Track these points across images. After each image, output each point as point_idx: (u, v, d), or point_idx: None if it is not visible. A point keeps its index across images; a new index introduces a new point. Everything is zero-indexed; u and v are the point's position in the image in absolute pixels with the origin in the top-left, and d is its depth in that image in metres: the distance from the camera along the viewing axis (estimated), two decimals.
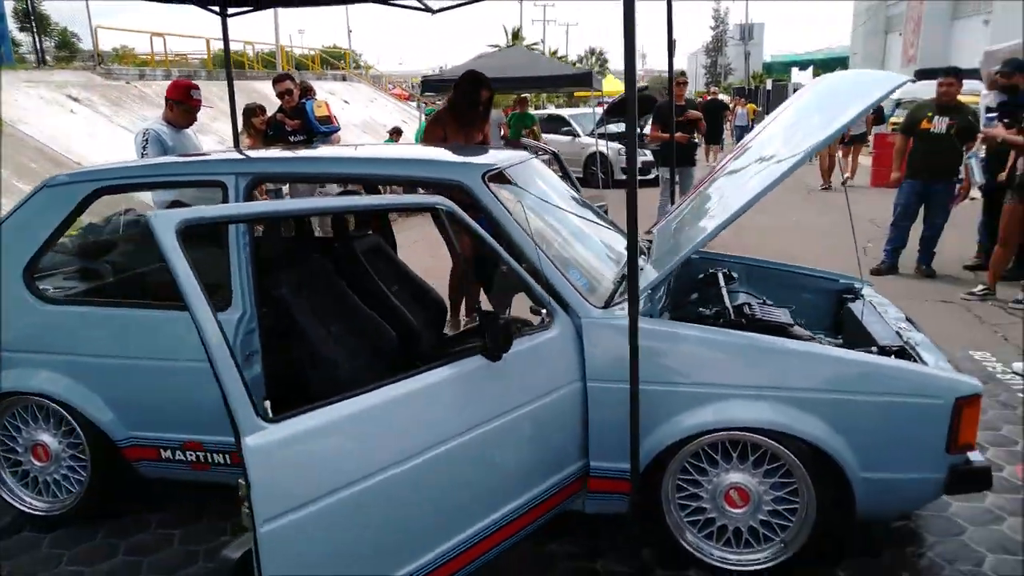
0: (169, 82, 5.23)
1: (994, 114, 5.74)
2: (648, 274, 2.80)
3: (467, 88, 4.79)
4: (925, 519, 2.95)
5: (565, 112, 16.89)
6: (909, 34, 41.16)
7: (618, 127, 13.89)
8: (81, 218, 3.14)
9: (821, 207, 11.06)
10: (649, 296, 2.78)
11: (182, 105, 4.90)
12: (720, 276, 3.48)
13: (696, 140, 8.98)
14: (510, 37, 40.15)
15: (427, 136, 4.85)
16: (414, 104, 35.06)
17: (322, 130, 6.90)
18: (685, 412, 2.57)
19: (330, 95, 17.95)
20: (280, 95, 6.80)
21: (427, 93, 13.58)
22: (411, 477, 2.08)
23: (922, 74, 36.85)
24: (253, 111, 6.96)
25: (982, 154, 5.36)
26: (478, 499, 2.34)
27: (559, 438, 2.59)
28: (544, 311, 2.59)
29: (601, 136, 13.34)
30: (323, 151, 3.32)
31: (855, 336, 3.18)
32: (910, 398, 2.50)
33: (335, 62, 29.57)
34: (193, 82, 5.16)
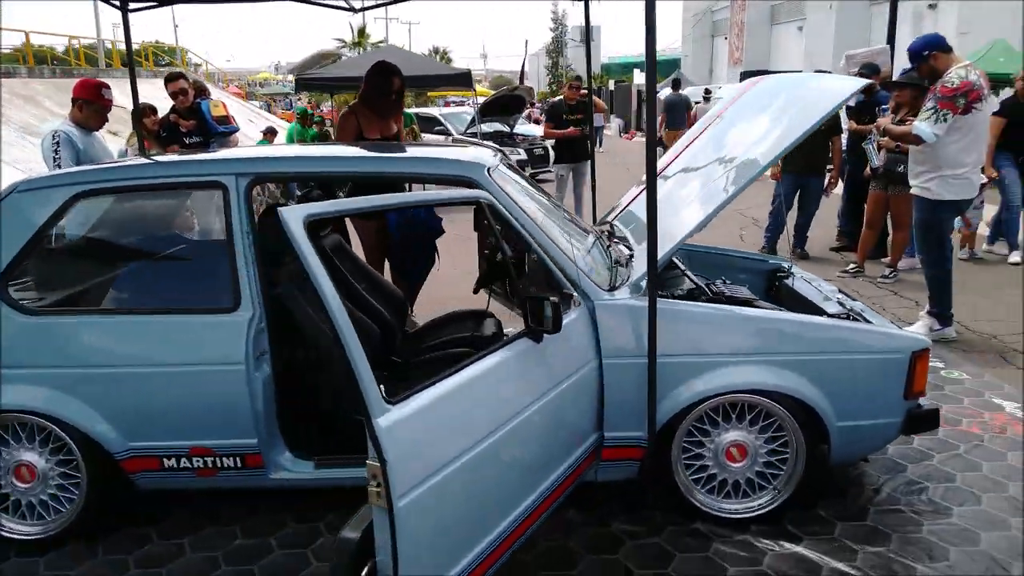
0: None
1: (886, 107, 6.46)
2: (641, 260, 3.06)
3: (378, 79, 4.76)
4: (874, 461, 3.39)
5: (436, 111, 16.99)
6: (734, 38, 44.24)
7: (491, 127, 14.17)
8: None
9: None
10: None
11: (93, 105, 4.67)
12: (676, 260, 3.80)
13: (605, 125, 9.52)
14: (356, 34, 39.57)
15: (341, 131, 4.72)
16: (257, 104, 33.89)
17: (220, 130, 6.69)
18: (691, 380, 2.86)
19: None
20: (173, 95, 6.52)
21: (301, 92, 13.28)
22: (498, 446, 2.23)
23: (747, 75, 39.67)
24: (143, 112, 6.63)
25: (876, 141, 6.05)
26: (540, 465, 2.53)
27: (584, 411, 2.80)
28: (572, 296, 2.79)
29: (473, 135, 13.57)
30: (328, 150, 3.32)
31: (797, 307, 3.59)
32: (876, 355, 2.92)
33: (172, 59, 28.07)
34: (103, 80, 4.92)
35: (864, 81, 3.00)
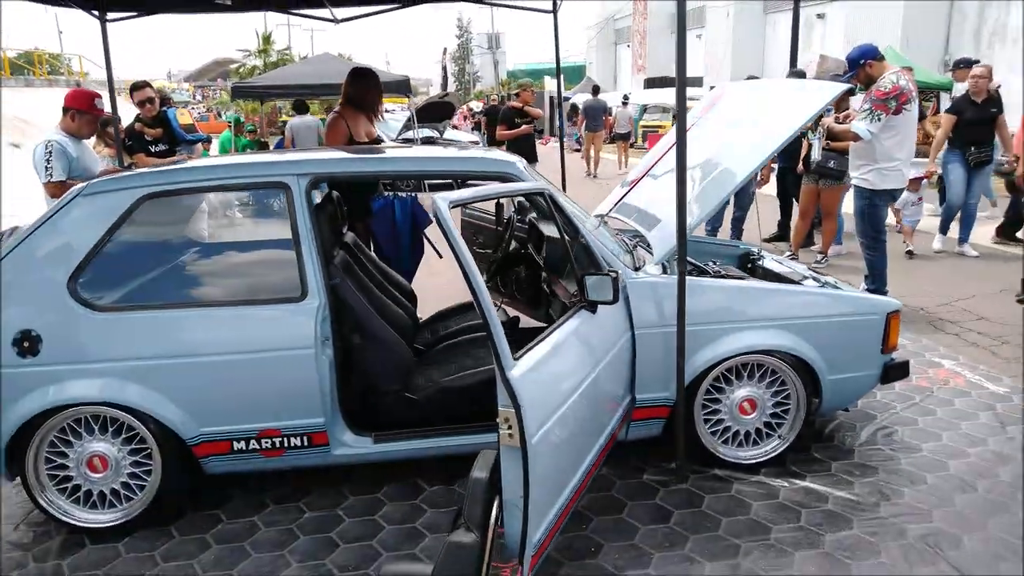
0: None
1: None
2: (657, 242, 3.49)
3: (364, 80, 4.96)
4: (850, 413, 3.92)
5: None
6: (637, 46, 45.74)
7: (425, 131, 14.43)
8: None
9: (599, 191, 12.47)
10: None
11: (86, 115, 4.77)
12: None
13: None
14: (261, 41, 38.92)
15: (332, 134, 4.91)
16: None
17: (188, 139, 6.79)
18: (710, 344, 3.29)
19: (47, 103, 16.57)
20: (140, 103, 6.56)
21: (236, 99, 13.19)
22: (579, 401, 2.60)
23: (651, 83, 41.04)
24: (107, 122, 6.68)
25: (821, 136, 6.63)
26: (599, 422, 2.92)
27: (622, 376, 3.19)
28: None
29: (408, 141, 13.81)
30: (378, 153, 3.58)
31: (779, 283, 4.10)
32: (860, 316, 3.43)
33: (61, 65, 26.86)
34: (95, 91, 5.03)
35: (845, 86, 3.52)
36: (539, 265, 4.28)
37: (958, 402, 4.05)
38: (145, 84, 6.72)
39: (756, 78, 8.11)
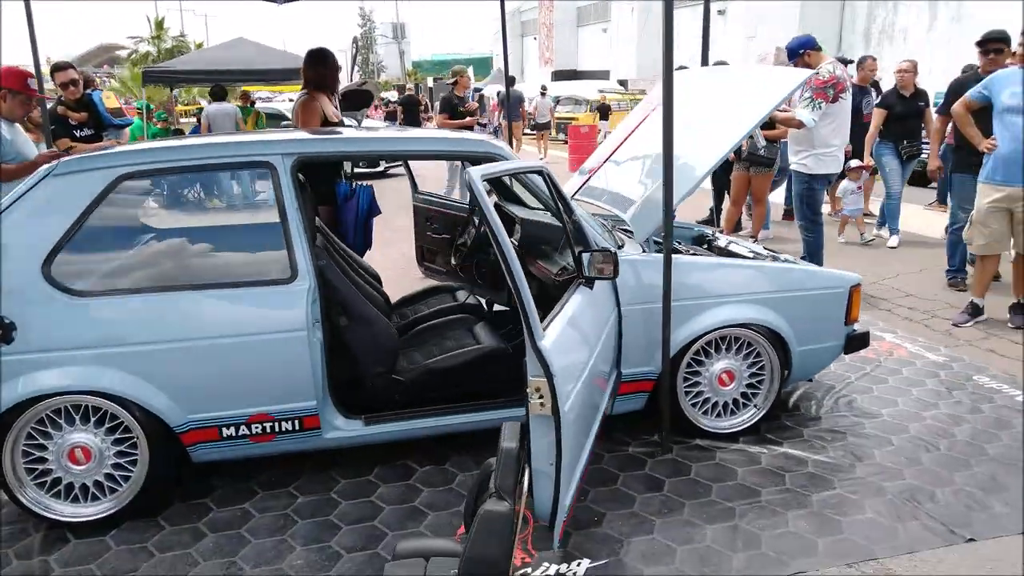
0: None
1: None
2: (637, 222, 3.59)
3: (328, 62, 4.93)
4: (811, 384, 4.13)
5: (284, 108, 16.62)
6: (543, 38, 46.17)
7: (345, 119, 14.16)
8: None
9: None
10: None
11: (19, 95, 4.48)
12: None
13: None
14: (154, 27, 37.32)
15: (308, 116, 4.80)
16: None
17: (116, 123, 6.47)
18: (692, 318, 3.42)
19: None
20: (63, 85, 6.19)
21: (147, 84, 12.57)
22: (590, 372, 2.67)
23: (559, 75, 41.58)
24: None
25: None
26: (599, 394, 3.00)
27: (612, 350, 3.28)
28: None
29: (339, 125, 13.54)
30: (364, 134, 3.51)
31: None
32: (826, 290, 3.63)
33: None
34: (28, 70, 4.73)
35: (810, 71, 3.70)
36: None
37: (905, 371, 4.33)
38: (68, 65, 6.36)
39: (725, 63, 8.26)
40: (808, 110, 5.32)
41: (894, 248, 7.38)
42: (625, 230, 3.83)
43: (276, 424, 3.12)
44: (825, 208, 7.29)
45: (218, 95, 10.69)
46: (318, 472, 3.38)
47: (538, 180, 3.39)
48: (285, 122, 14.86)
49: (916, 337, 4.88)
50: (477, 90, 31.57)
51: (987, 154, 4.83)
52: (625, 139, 4.56)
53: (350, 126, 14.94)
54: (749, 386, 3.60)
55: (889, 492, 3.08)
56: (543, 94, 19.92)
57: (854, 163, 7.51)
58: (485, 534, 2.28)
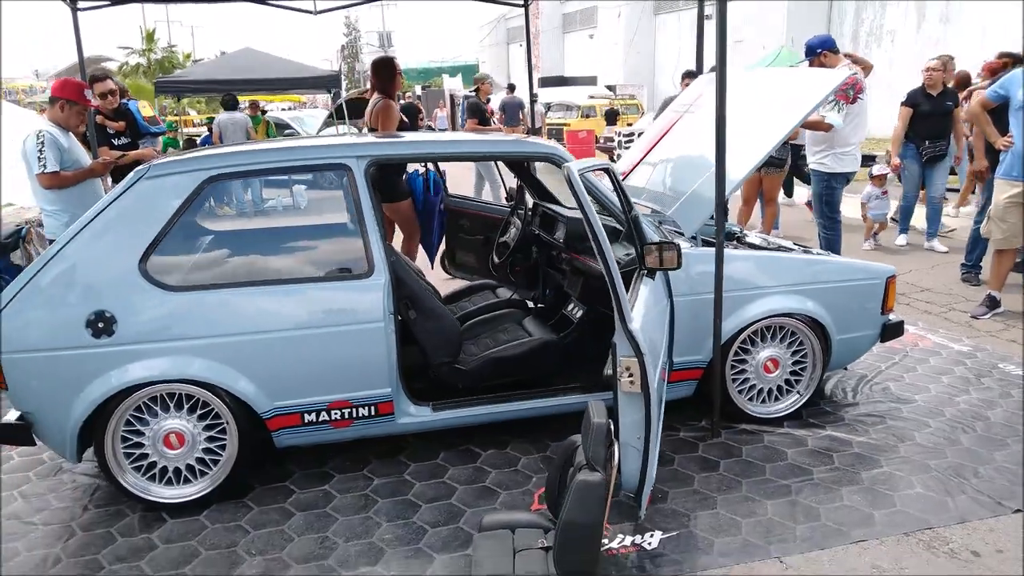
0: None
1: None
2: (685, 218, 3.78)
3: (390, 71, 5.39)
4: (847, 373, 4.34)
5: (286, 116, 16.78)
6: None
7: (345, 128, 14.33)
8: None
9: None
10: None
11: (75, 105, 4.64)
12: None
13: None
14: (145, 39, 37.51)
15: (389, 120, 5.17)
16: (34, 114, 30.92)
17: (152, 131, 6.63)
18: (740, 309, 3.61)
19: None
20: (101, 95, 6.35)
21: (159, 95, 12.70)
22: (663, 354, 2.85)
23: (545, 81, 41.85)
24: None
25: None
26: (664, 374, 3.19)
27: (666, 340, 3.46)
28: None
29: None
30: (427, 137, 3.68)
31: None
32: (865, 281, 3.83)
33: None
34: (83, 80, 4.88)
35: (848, 72, 3.92)
36: (541, 246, 4.52)
37: (932, 360, 4.55)
38: (106, 76, 6.52)
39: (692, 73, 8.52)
40: (834, 112, 5.53)
41: (902, 246, 7.58)
42: (675, 229, 4.02)
43: (354, 410, 3.30)
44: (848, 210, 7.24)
45: (230, 104, 10.82)
46: (387, 457, 3.55)
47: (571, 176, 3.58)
48: (288, 130, 15.04)
49: (937, 328, 5.11)
50: (466, 97, 31.78)
51: (1004, 151, 5.07)
52: (658, 140, 4.76)
53: (350, 133, 15.18)
54: (792, 373, 3.80)
55: (934, 469, 3.28)
56: (533, 101, 20.18)
57: (877, 170, 7.50)
58: (581, 501, 2.48)
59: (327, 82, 11.87)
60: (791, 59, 17.46)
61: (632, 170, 4.73)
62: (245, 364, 3.12)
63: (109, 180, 5.68)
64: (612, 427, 2.56)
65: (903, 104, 7.12)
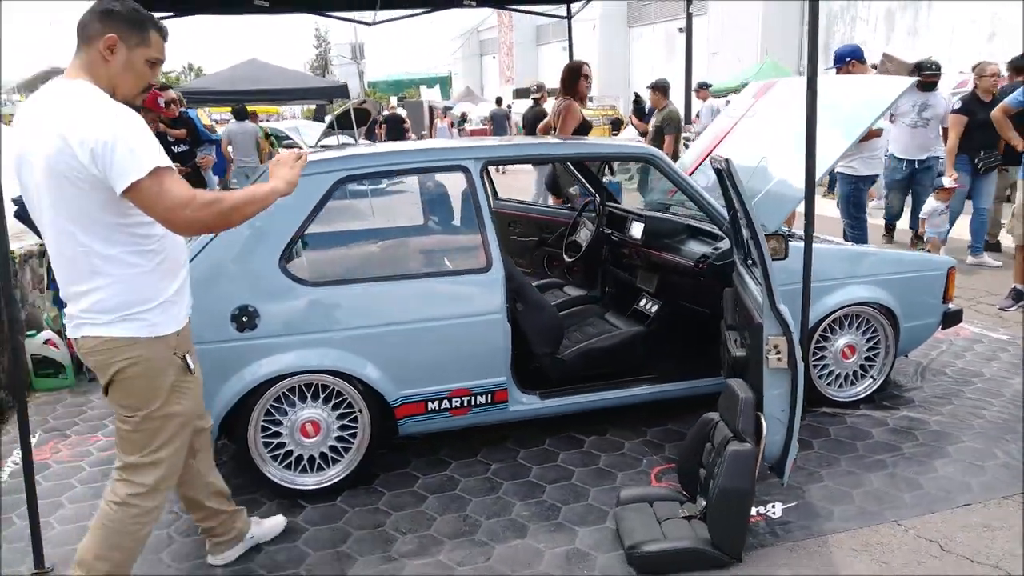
0: None
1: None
2: (767, 213, 4.02)
3: (583, 75, 5.83)
4: (905, 361, 4.61)
5: (283, 125, 16.81)
6: (503, 57, 46.81)
7: (344, 137, 14.45)
8: None
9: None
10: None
11: (150, 113, 4.81)
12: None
13: None
14: None
15: (571, 120, 5.61)
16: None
17: (213, 138, 6.84)
18: (824, 297, 3.85)
19: None
20: (165, 104, 6.52)
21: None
22: None
23: (520, 93, 42.26)
24: None
25: None
26: None
27: None
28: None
29: (327, 148, 13.81)
30: (534, 140, 3.88)
31: None
32: (928, 272, 4.11)
33: None
34: (157, 89, 5.01)
35: (911, 80, 4.21)
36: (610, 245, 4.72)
37: (976, 347, 4.86)
38: (167, 86, 6.68)
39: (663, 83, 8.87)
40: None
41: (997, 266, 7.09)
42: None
43: (472, 398, 3.47)
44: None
45: (241, 115, 10.88)
46: (495, 445, 3.73)
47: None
48: (287, 140, 15.10)
49: (972, 320, 5.42)
50: (448, 108, 32.04)
51: None
52: (718, 143, 5.01)
53: (347, 144, 15.36)
54: (866, 359, 4.06)
55: (1012, 441, 3.56)
56: (508, 116, 20.89)
57: (947, 182, 6.77)
58: (734, 470, 2.70)
59: (334, 92, 12.00)
60: (775, 69, 18.08)
61: (694, 171, 4.97)
62: (376, 354, 3.29)
63: None
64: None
65: (957, 112, 6.70)
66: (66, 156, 2.02)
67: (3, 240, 2.66)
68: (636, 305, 4.51)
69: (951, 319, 4.24)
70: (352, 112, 11.91)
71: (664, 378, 3.80)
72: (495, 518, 3.10)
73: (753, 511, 3.04)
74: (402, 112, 22.22)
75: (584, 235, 4.90)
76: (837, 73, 6.16)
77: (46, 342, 4.63)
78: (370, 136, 25.09)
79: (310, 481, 3.30)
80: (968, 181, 6.94)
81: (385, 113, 20.58)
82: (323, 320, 3.22)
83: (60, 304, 4.89)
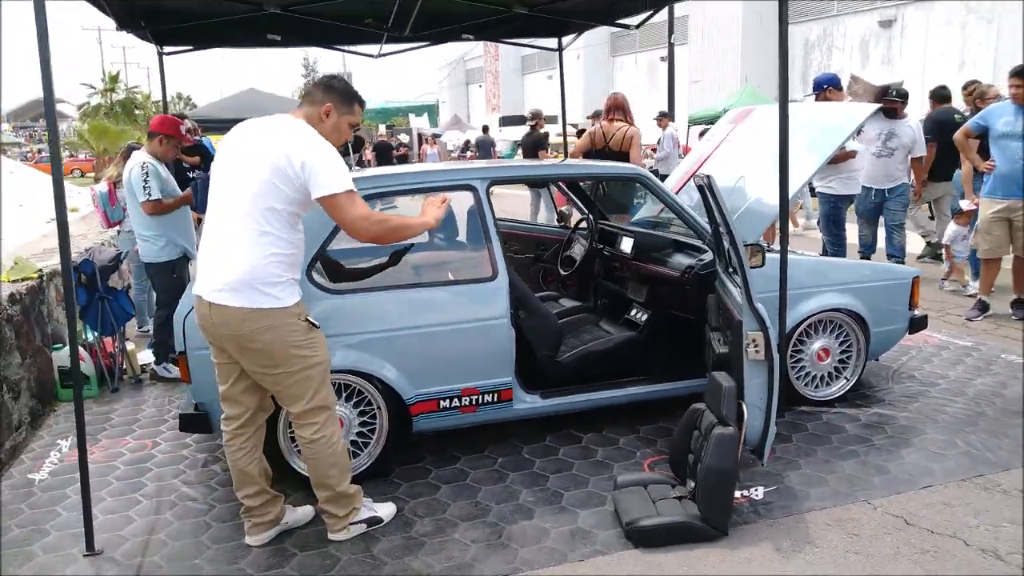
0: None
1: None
2: (746, 227, 4.39)
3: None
4: (876, 365, 4.97)
5: None
6: (490, 85, 47.49)
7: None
8: None
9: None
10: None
11: (172, 140, 5.13)
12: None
13: None
14: (108, 80, 37.65)
15: (637, 147, 6.22)
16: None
17: None
18: (800, 304, 4.20)
19: None
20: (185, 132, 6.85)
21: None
22: None
23: (506, 120, 42.79)
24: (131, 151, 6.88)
25: None
26: None
27: None
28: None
29: None
30: (535, 163, 4.24)
31: None
32: (896, 280, 4.48)
33: None
34: (177, 118, 5.36)
35: (875, 106, 4.61)
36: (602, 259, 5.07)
37: (943, 353, 5.24)
38: (183, 116, 7.03)
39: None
40: (852, 140, 6.23)
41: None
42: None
43: (481, 397, 3.79)
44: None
45: None
46: (499, 442, 4.04)
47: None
48: None
49: (939, 329, 5.80)
50: (436, 136, 32.54)
51: (987, 174, 5.84)
52: (700, 165, 5.39)
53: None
54: (840, 362, 4.41)
55: (972, 432, 3.91)
56: (493, 144, 21.61)
57: (966, 205, 6.69)
58: (719, 451, 3.03)
59: None
60: (754, 96, 18.63)
61: (679, 189, 5.34)
62: (394, 356, 3.60)
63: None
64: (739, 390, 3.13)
65: (972, 136, 6.18)
66: (284, 163, 2.75)
67: (66, 255, 2.97)
68: (627, 315, 4.85)
69: (917, 324, 4.61)
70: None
71: (655, 379, 4.14)
72: (504, 503, 3.40)
73: (737, 493, 3.36)
74: (404, 138, 22.93)
75: (578, 250, 5.25)
76: (816, 99, 6.58)
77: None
78: (360, 162, 25.66)
79: None
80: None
81: (376, 140, 21.14)
82: (345, 324, 3.53)
83: (90, 320, 5.18)
